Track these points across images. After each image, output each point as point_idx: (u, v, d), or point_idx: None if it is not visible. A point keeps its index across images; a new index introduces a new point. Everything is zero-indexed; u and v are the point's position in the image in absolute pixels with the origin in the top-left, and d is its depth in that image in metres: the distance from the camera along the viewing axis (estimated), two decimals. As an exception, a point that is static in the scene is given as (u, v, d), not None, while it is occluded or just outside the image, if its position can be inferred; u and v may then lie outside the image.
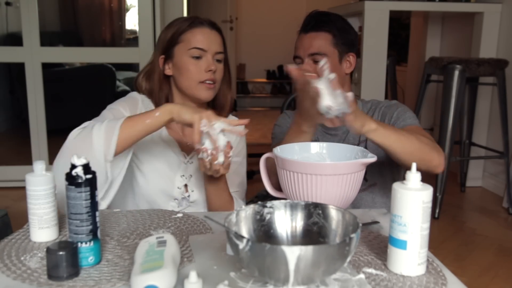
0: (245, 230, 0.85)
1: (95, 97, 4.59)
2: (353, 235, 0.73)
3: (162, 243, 0.83)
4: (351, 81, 1.55)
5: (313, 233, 0.87)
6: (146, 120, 1.15)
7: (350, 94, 1.06)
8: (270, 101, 7.13)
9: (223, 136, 1.13)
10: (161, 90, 1.41)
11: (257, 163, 1.18)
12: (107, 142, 1.13)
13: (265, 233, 0.87)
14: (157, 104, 1.39)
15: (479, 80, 3.36)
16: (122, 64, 5.06)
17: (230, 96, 1.48)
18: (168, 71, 1.40)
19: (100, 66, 4.61)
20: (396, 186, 0.85)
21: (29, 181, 0.96)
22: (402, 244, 0.84)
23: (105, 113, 1.33)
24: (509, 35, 3.29)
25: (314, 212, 0.88)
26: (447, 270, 0.88)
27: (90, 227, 0.86)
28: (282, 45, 6.66)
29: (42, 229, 0.97)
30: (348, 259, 0.76)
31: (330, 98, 1.06)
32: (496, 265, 2.40)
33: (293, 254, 0.69)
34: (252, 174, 3.08)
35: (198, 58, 1.36)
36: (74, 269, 0.82)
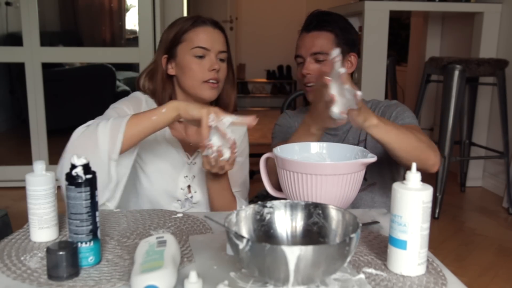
0: (245, 230, 0.85)
1: (95, 97, 4.59)
2: (353, 235, 0.73)
3: (162, 243, 0.83)
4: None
5: (313, 233, 0.87)
6: (152, 117, 1.14)
7: (359, 93, 1.05)
8: (270, 101, 7.13)
9: (230, 131, 1.13)
10: (164, 90, 1.39)
11: (257, 163, 1.18)
12: (112, 140, 1.12)
13: (265, 233, 0.87)
14: (161, 104, 1.37)
15: (479, 80, 3.36)
16: (122, 64, 5.06)
17: (234, 96, 1.46)
18: (171, 70, 1.39)
19: (100, 66, 4.61)
20: (396, 186, 0.85)
21: (29, 181, 0.96)
22: (402, 244, 0.84)
23: (109, 112, 1.32)
24: (509, 35, 3.29)
25: (314, 212, 0.88)
26: (447, 270, 0.88)
27: (90, 227, 0.86)
28: (282, 45, 6.66)
29: (42, 229, 0.97)
30: (348, 259, 0.75)
31: (340, 99, 1.06)
32: (496, 265, 2.40)
33: (293, 254, 0.69)
34: (252, 174, 3.06)
35: (201, 57, 1.34)
36: (74, 269, 0.82)
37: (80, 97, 4.65)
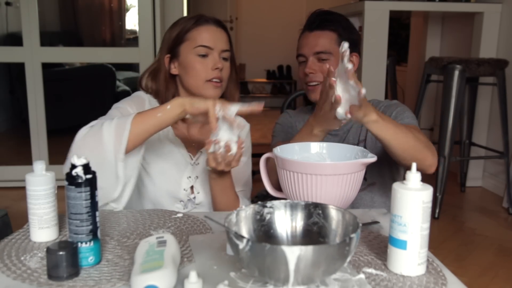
0: (245, 230, 0.85)
1: (95, 97, 4.60)
2: (353, 235, 0.73)
3: (162, 243, 0.83)
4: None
5: (313, 233, 0.87)
6: (158, 114, 1.13)
7: (364, 91, 1.05)
8: (270, 101, 7.12)
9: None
10: (167, 89, 1.38)
11: (257, 163, 1.18)
12: (118, 139, 1.11)
13: (265, 233, 0.87)
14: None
15: (479, 80, 3.36)
16: (122, 64, 5.06)
17: (237, 95, 1.45)
18: (174, 70, 1.38)
19: (100, 66, 4.61)
20: (396, 186, 0.85)
21: (29, 181, 0.96)
22: (402, 244, 0.84)
23: (113, 112, 1.30)
24: (509, 35, 3.29)
25: (314, 212, 0.88)
26: (447, 270, 0.88)
27: (90, 227, 0.86)
28: (282, 45, 6.66)
29: (42, 229, 0.97)
30: (348, 259, 0.75)
31: (345, 98, 1.06)
32: (496, 265, 2.40)
33: (293, 254, 0.69)
34: (252, 174, 3.07)
35: (204, 56, 1.34)
36: (74, 269, 0.82)
37: (80, 97, 4.65)
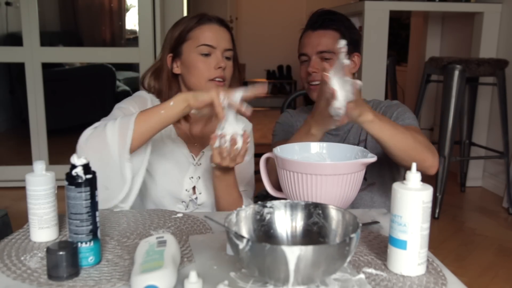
0: (245, 230, 0.85)
1: (95, 97, 4.60)
2: (353, 235, 0.73)
3: (162, 243, 0.83)
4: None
5: (313, 233, 0.87)
6: (161, 111, 1.12)
7: (359, 82, 1.05)
8: (270, 101, 7.12)
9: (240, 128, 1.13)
10: (170, 89, 1.38)
11: (257, 163, 1.18)
12: (122, 139, 1.10)
13: (265, 233, 0.87)
14: None
15: (479, 80, 3.36)
16: (122, 64, 5.06)
17: None
18: (177, 69, 1.38)
19: (100, 66, 4.61)
20: (396, 186, 0.85)
21: (29, 181, 0.96)
22: (402, 244, 0.84)
23: (115, 112, 1.29)
24: (509, 35, 3.29)
25: (314, 212, 0.88)
26: (447, 270, 0.88)
27: (90, 227, 0.86)
28: (282, 45, 6.67)
29: (42, 229, 0.97)
30: (348, 259, 0.75)
31: (341, 93, 1.05)
32: (496, 265, 2.40)
33: (293, 254, 0.69)
34: (252, 174, 3.07)
35: (207, 55, 1.33)
36: (74, 269, 0.82)
37: (80, 97, 4.65)
